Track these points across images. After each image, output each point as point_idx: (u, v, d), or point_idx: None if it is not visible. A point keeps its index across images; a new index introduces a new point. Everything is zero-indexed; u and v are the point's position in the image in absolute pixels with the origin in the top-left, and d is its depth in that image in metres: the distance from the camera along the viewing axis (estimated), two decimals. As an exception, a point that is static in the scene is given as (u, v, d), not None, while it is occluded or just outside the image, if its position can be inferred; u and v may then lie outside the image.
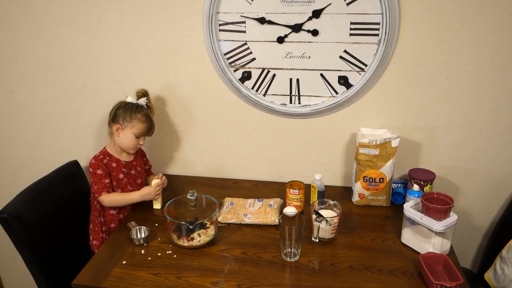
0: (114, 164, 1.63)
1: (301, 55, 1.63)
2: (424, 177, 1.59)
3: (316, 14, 1.55)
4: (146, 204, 1.65)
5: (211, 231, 1.43)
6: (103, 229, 1.67)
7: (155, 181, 1.62)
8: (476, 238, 1.85)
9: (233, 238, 1.47)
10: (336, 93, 1.67)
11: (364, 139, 1.58)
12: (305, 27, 1.58)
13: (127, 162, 1.67)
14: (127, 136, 1.60)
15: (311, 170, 1.83)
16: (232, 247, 1.42)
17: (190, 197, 1.51)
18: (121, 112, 1.59)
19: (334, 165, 1.81)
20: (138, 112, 1.60)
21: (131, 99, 1.62)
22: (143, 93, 1.65)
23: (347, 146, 1.77)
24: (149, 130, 1.63)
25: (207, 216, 1.43)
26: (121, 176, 1.64)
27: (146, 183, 1.76)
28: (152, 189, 1.60)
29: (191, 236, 1.40)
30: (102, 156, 1.62)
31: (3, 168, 2.12)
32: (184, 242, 1.40)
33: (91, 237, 1.70)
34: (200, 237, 1.41)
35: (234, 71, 1.71)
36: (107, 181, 1.59)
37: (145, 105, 1.64)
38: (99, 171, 1.59)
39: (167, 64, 1.75)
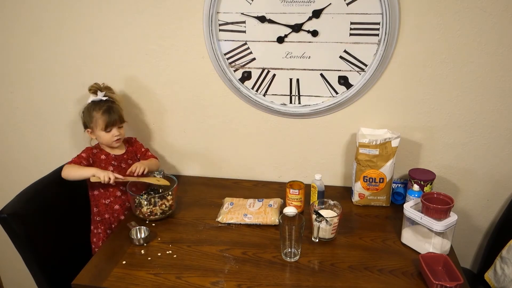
0: (103, 157, 1.66)
1: (301, 55, 1.63)
2: (424, 177, 1.59)
3: (316, 14, 1.55)
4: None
5: (171, 202, 1.59)
6: (101, 226, 1.67)
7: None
8: (476, 238, 1.85)
9: (233, 238, 1.47)
10: (336, 93, 1.67)
11: (364, 139, 1.58)
12: (305, 27, 1.58)
13: (117, 156, 1.69)
14: (98, 135, 1.64)
15: (311, 170, 1.82)
16: (232, 247, 1.42)
17: (157, 175, 1.68)
18: (83, 117, 1.65)
19: (334, 165, 1.81)
20: (94, 109, 1.61)
21: (90, 98, 1.64)
22: (96, 88, 1.64)
23: (347, 146, 1.77)
24: (111, 120, 1.61)
25: (167, 190, 1.58)
26: (111, 169, 1.65)
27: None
28: (106, 173, 1.55)
29: (152, 205, 1.56)
30: (93, 148, 1.68)
31: (3, 168, 2.12)
32: (147, 211, 1.56)
33: (92, 237, 1.70)
34: (161, 207, 1.57)
35: (234, 71, 1.71)
36: (84, 162, 1.62)
37: (103, 98, 1.63)
38: (83, 154, 1.64)
39: (167, 64, 1.75)
